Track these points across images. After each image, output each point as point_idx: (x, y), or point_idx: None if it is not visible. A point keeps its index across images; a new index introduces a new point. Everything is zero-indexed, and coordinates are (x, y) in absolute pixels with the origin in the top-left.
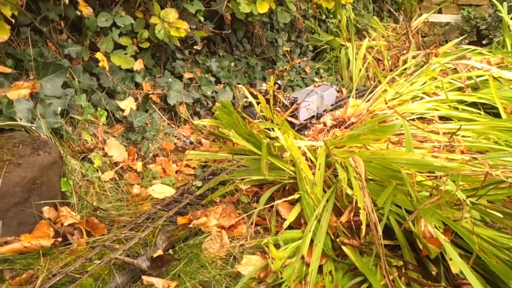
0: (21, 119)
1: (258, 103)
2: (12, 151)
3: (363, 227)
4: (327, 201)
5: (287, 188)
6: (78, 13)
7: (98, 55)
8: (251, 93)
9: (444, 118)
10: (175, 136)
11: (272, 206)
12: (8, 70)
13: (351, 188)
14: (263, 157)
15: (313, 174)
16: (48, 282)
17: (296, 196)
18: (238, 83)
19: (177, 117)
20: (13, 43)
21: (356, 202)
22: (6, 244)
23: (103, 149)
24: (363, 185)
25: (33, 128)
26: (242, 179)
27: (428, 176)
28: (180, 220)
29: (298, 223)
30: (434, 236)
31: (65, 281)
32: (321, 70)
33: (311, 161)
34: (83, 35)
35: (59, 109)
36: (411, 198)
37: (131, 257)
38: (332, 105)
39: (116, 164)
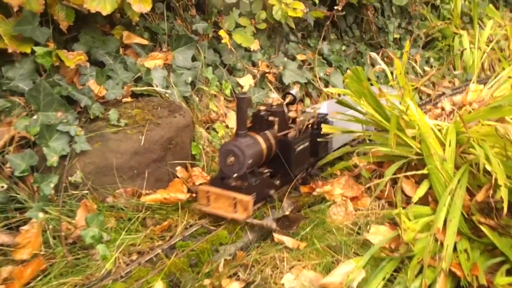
0: (157, 86)
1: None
2: (151, 112)
3: (505, 205)
4: (459, 180)
5: (412, 165)
6: None
7: (221, 33)
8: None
9: None
10: None
11: (395, 182)
12: (145, 42)
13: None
14: (391, 129)
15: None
16: (186, 231)
17: (424, 171)
18: (347, 68)
19: None
20: (149, 17)
21: (496, 180)
22: (148, 195)
23: (224, 121)
24: None
25: (167, 94)
26: (361, 155)
27: None
28: (303, 188)
29: (424, 201)
30: None
31: (201, 232)
32: (432, 59)
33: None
34: (208, 13)
35: (189, 79)
36: None
37: (260, 218)
38: None
39: None
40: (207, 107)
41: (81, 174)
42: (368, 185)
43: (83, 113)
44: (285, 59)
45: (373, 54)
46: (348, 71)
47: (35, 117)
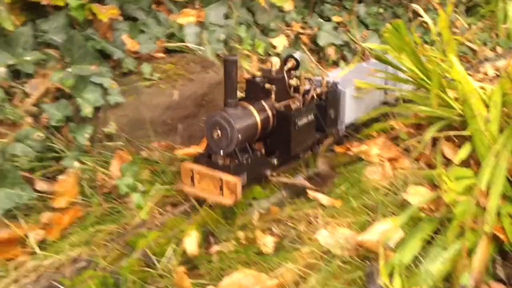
0: (189, 42)
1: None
2: (184, 67)
3: None
4: (504, 142)
5: (453, 127)
6: None
7: None
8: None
9: None
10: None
11: (434, 145)
12: None
13: None
14: (433, 88)
15: None
16: None
17: (467, 133)
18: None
19: (324, 59)
20: None
21: None
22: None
23: None
24: None
25: (199, 51)
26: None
27: None
28: (338, 148)
29: (465, 164)
30: None
31: None
32: (473, 26)
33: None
34: None
35: (222, 36)
36: None
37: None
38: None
39: None
40: (240, 65)
41: (115, 125)
42: (406, 144)
43: (116, 67)
44: (320, 20)
45: (415, 6)
46: (388, 24)
47: (69, 69)
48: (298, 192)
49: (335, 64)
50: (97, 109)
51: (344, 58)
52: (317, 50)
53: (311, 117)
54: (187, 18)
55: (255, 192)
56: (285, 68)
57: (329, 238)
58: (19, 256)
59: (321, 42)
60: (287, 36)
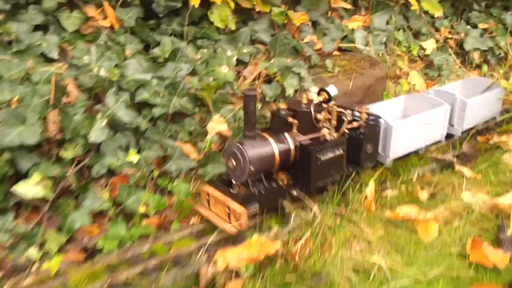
0: (358, 44)
1: None
2: (357, 64)
3: None
4: None
5: None
6: None
7: (411, 0)
8: None
9: None
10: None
11: None
12: (349, 6)
13: None
14: None
15: None
16: None
17: None
18: None
19: (468, 62)
20: None
21: None
22: None
23: (406, 78)
24: None
25: (365, 51)
26: None
27: None
28: (480, 138)
29: None
30: None
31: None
32: None
33: None
34: None
35: (384, 39)
36: None
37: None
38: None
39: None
40: (394, 64)
41: None
42: None
43: (305, 61)
44: (467, 26)
45: None
46: None
47: (272, 61)
48: (446, 166)
49: (478, 67)
50: (295, 91)
51: (487, 62)
52: (462, 54)
53: (339, 151)
54: (355, 23)
55: (412, 161)
56: (315, 101)
57: (471, 198)
58: None
59: (467, 47)
60: (436, 40)
